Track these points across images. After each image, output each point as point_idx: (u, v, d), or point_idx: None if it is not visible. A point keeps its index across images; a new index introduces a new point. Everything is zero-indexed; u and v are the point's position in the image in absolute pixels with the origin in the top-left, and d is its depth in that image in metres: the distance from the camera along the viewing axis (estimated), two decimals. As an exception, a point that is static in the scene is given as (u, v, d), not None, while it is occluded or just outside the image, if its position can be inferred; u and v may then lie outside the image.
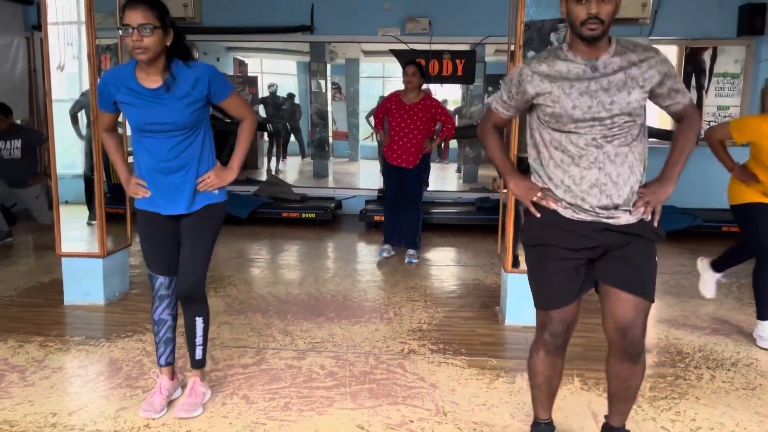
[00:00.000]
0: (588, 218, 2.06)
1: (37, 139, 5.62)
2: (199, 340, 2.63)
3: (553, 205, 2.10)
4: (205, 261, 2.57)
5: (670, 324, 3.77)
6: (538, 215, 2.15)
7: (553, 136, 2.09)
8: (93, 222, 4.08)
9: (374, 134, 5.39)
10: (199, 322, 2.61)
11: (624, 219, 2.05)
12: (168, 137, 2.42)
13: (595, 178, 2.03)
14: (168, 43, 2.34)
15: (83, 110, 4.16)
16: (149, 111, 2.38)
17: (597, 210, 2.04)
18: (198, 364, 2.67)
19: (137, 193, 2.53)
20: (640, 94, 2.01)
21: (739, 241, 3.83)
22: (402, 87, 5.11)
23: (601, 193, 2.03)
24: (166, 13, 2.33)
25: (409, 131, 5.03)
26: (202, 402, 2.66)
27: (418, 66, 5.01)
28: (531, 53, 3.51)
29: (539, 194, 2.13)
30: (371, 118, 9.56)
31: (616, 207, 2.04)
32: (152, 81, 2.38)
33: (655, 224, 2.07)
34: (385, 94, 9.00)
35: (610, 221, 2.05)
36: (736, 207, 3.56)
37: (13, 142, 5.48)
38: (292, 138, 10.43)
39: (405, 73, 5.00)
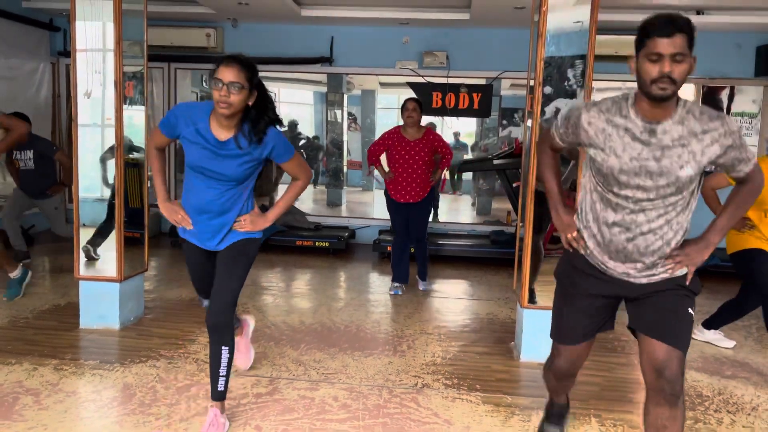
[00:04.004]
0: (611, 274, 2.14)
1: (47, 149, 5.49)
2: (223, 371, 2.63)
3: (581, 251, 2.19)
4: (234, 291, 2.66)
5: (689, 366, 3.70)
6: (570, 249, 2.25)
7: (597, 188, 2.10)
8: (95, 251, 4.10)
9: (371, 170, 5.29)
10: (224, 351, 2.63)
11: (645, 280, 2.10)
12: (218, 183, 2.55)
13: (622, 245, 2.06)
14: (250, 103, 2.46)
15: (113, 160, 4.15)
16: (209, 159, 2.51)
17: (618, 274, 2.12)
18: (220, 396, 2.66)
19: (177, 221, 2.65)
20: (693, 169, 1.94)
21: (733, 298, 3.96)
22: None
23: (626, 258, 2.07)
24: (256, 74, 2.45)
25: (414, 168, 4.95)
26: (248, 359, 2.80)
27: (418, 101, 4.97)
28: (548, 89, 3.54)
29: (575, 234, 2.20)
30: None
31: (636, 276, 2.10)
32: (223, 133, 2.49)
33: (687, 282, 2.09)
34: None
35: (632, 281, 2.11)
36: (735, 255, 3.62)
37: (26, 152, 5.42)
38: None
39: (405, 108, 4.91)
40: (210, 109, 2.48)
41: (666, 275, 2.07)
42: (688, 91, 7.01)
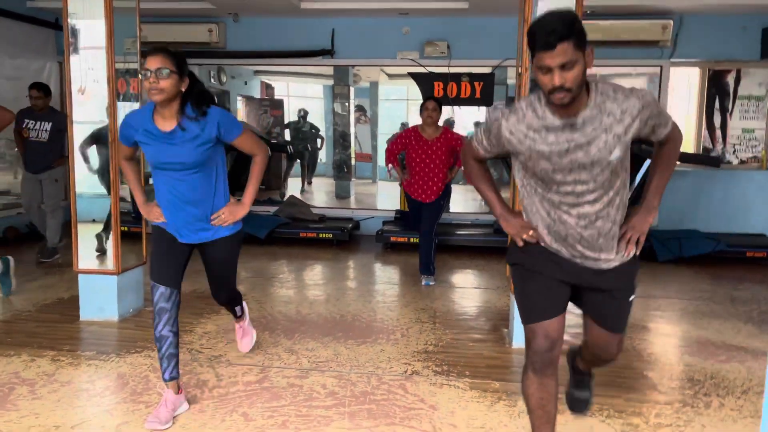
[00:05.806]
0: (569, 258, 2.14)
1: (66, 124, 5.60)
2: (238, 311, 3.31)
3: (542, 243, 2.15)
4: (233, 279, 3.04)
5: (684, 350, 3.68)
6: (522, 246, 2.19)
7: (537, 190, 2.09)
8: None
9: (389, 171, 5.31)
10: (237, 309, 3.30)
11: (605, 266, 2.11)
12: (182, 174, 2.64)
13: (578, 235, 2.05)
14: (183, 89, 2.57)
15: (94, 146, 4.24)
16: (163, 151, 2.61)
17: (575, 259, 2.13)
18: (240, 313, 3.34)
19: (155, 218, 2.78)
20: (621, 151, 1.94)
21: None
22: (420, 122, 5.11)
23: (579, 243, 2.07)
24: (184, 62, 2.57)
25: (432, 167, 5.04)
26: (252, 339, 3.47)
27: (437, 101, 5.03)
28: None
29: (531, 233, 2.14)
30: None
31: (595, 258, 2.09)
32: (167, 124, 2.61)
33: (637, 253, 2.13)
34: (408, 117, 8.95)
35: (588, 265, 2.12)
36: None
37: (43, 123, 5.44)
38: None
39: (425, 108, 4.98)
40: (152, 108, 2.62)
41: (623, 259, 2.12)
42: (693, 77, 6.91)
